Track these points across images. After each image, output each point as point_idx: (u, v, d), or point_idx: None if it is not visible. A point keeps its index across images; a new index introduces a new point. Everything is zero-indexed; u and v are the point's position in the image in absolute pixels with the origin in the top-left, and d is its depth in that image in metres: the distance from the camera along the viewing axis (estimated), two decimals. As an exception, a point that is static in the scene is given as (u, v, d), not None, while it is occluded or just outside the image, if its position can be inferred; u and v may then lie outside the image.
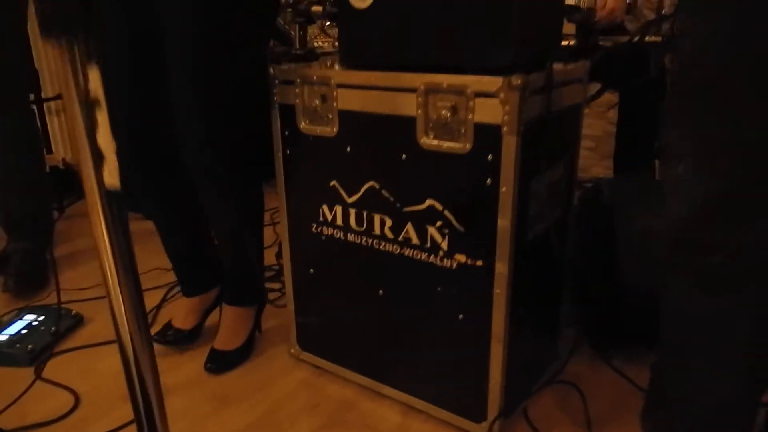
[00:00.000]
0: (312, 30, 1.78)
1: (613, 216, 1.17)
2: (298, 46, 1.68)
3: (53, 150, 2.48)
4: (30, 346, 1.35)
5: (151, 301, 1.64)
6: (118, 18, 1.08)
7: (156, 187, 1.28)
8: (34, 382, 1.25)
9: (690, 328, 0.74)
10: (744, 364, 0.72)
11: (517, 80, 0.83)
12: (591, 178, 2.13)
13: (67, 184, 2.38)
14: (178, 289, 1.66)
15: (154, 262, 1.76)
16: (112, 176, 0.47)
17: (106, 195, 0.47)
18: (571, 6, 1.32)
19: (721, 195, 0.64)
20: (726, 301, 0.69)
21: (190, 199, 1.26)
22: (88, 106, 0.44)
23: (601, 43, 1.37)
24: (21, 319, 1.48)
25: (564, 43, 1.33)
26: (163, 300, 1.63)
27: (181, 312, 1.40)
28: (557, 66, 0.95)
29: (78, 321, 1.52)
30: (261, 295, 1.36)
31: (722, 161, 0.63)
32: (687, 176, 0.66)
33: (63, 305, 1.59)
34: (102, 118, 0.45)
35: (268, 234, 1.67)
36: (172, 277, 1.67)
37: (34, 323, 1.46)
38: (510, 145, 0.86)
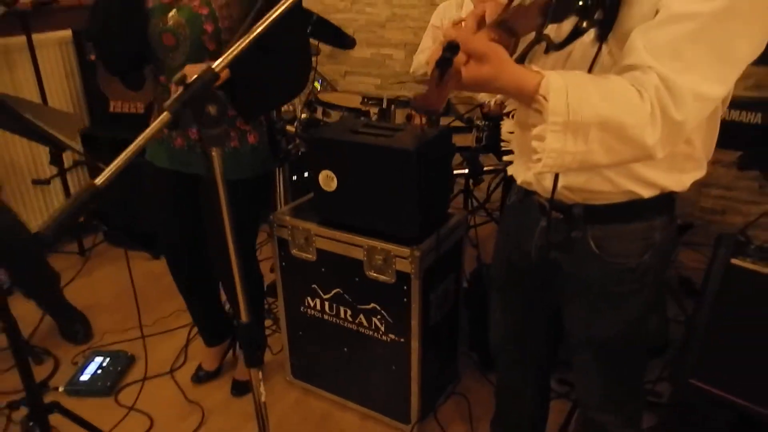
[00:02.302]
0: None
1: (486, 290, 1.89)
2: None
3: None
4: (108, 383, 2.00)
5: (179, 339, 2.29)
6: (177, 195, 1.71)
7: (191, 269, 1.90)
8: (128, 412, 1.90)
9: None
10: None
11: (417, 252, 1.51)
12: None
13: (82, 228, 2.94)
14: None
15: (173, 304, 2.40)
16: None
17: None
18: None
19: (510, 333, 1.38)
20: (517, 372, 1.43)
21: (210, 282, 1.93)
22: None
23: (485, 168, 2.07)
24: (93, 361, 2.11)
25: (460, 171, 2.01)
26: (188, 340, 2.28)
27: (206, 358, 2.08)
28: (444, 227, 1.65)
29: (132, 360, 2.16)
30: (263, 343, 2.05)
31: (507, 316, 1.36)
32: (496, 319, 1.39)
33: (115, 346, 2.23)
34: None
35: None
36: (189, 317, 2.33)
37: (104, 364, 2.10)
38: (415, 283, 1.55)
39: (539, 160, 0.83)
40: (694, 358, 1.71)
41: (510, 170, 1.21)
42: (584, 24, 0.89)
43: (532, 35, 0.93)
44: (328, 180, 1.62)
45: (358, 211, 1.61)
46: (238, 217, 1.70)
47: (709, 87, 0.85)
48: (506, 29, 0.84)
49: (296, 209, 1.80)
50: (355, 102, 2.30)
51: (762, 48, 0.87)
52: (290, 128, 2.22)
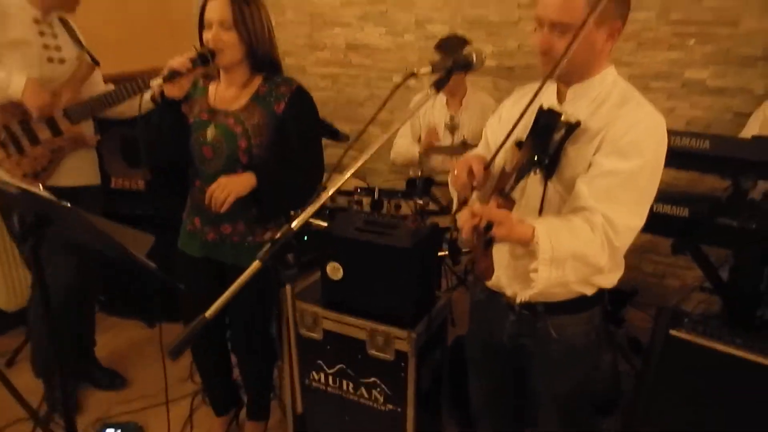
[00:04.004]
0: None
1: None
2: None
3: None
4: (121, 455, 2.15)
5: (182, 408, 2.45)
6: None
7: (212, 345, 2.13)
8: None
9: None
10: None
11: (413, 334, 1.79)
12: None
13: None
14: (199, 398, 2.49)
15: (172, 374, 2.56)
16: None
17: None
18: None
19: (487, 399, 1.66)
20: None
21: (226, 358, 2.14)
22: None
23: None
24: (104, 433, 2.25)
25: (441, 253, 2.31)
26: (192, 410, 2.45)
27: (213, 426, 2.27)
28: (434, 308, 1.93)
29: (141, 431, 2.31)
30: (269, 413, 2.25)
31: (484, 387, 1.65)
32: (475, 389, 1.67)
33: (123, 418, 2.38)
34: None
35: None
36: (189, 387, 2.51)
37: (116, 437, 2.24)
38: (411, 360, 1.82)
39: (534, 286, 1.16)
40: (642, 415, 2.03)
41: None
42: (535, 170, 1.26)
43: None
44: (335, 270, 1.88)
45: (360, 297, 1.88)
46: (261, 299, 1.95)
47: (635, 220, 1.25)
48: (503, 194, 1.16)
49: (302, 293, 2.05)
50: (345, 184, 2.59)
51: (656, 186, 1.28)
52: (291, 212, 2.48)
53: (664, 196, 2.24)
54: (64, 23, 2.26)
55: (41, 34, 2.14)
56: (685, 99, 3.00)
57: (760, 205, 2.13)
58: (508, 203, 1.16)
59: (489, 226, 1.07)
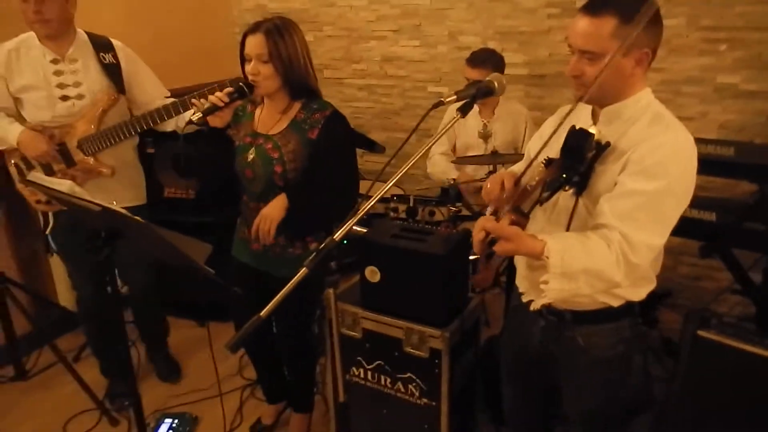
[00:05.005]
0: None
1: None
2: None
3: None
4: (179, 444, 2.36)
5: (233, 401, 2.64)
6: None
7: (258, 342, 2.31)
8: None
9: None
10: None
11: (446, 333, 1.92)
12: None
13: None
14: (249, 391, 2.68)
15: (222, 369, 2.76)
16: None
17: None
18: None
19: (518, 404, 1.77)
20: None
21: (274, 352, 2.32)
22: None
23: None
24: (163, 422, 2.46)
25: (473, 257, 2.43)
26: (241, 403, 2.64)
27: (266, 412, 2.46)
28: (466, 309, 2.05)
29: (196, 421, 2.51)
30: (312, 406, 2.42)
31: (516, 392, 1.76)
32: (508, 395, 1.78)
33: (178, 409, 2.58)
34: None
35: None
36: (240, 381, 2.70)
37: (173, 425, 2.44)
38: (445, 358, 1.95)
39: (545, 296, 1.25)
40: (672, 419, 2.08)
41: (517, 281, 1.63)
42: (566, 187, 1.33)
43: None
44: (372, 274, 2.03)
45: (397, 298, 2.02)
46: (304, 301, 2.12)
47: (655, 239, 1.28)
48: (519, 212, 1.27)
49: (342, 294, 2.20)
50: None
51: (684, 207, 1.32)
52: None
53: (692, 200, 2.30)
54: (102, 49, 2.30)
55: (57, 73, 2.25)
56: (718, 103, 3.02)
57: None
58: (522, 219, 1.26)
59: (493, 241, 1.17)
